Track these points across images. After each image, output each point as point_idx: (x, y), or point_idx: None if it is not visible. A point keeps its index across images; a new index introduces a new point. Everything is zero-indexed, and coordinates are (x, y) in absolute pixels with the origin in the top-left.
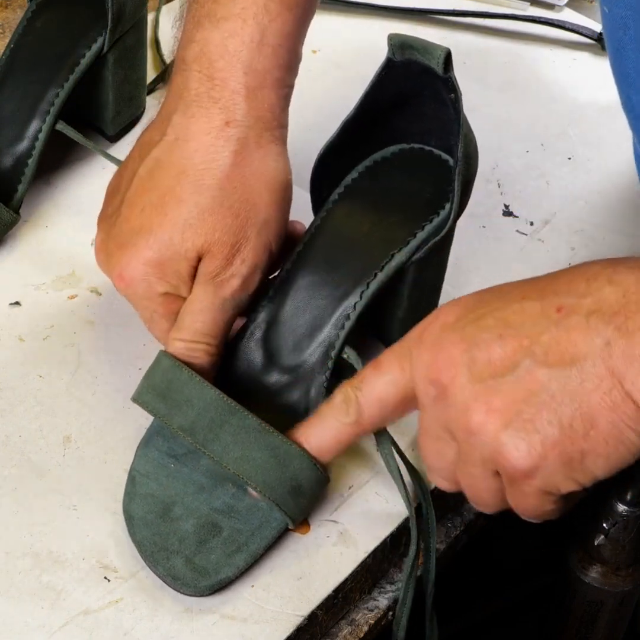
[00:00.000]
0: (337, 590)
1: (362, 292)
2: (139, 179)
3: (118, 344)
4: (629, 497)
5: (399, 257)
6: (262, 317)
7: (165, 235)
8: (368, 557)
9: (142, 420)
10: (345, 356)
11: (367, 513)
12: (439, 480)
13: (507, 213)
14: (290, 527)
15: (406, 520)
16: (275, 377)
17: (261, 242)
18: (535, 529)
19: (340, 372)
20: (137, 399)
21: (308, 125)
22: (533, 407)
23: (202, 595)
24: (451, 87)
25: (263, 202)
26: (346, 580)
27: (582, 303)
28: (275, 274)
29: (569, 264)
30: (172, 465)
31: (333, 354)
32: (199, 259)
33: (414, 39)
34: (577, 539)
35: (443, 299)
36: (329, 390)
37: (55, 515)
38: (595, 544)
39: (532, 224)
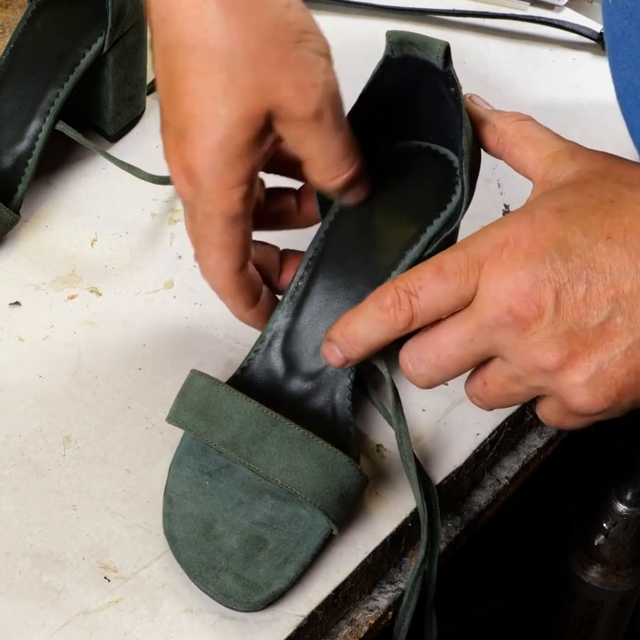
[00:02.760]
0: (337, 590)
1: None
2: (161, 77)
3: (118, 344)
4: (628, 497)
5: (412, 254)
6: (279, 326)
7: (212, 115)
8: (368, 557)
9: (143, 420)
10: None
11: (367, 513)
12: (436, 372)
13: (508, 213)
14: (334, 533)
15: (406, 521)
16: (298, 385)
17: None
18: (535, 528)
19: (364, 374)
20: (175, 419)
21: None
22: (613, 358)
23: (256, 610)
24: (451, 80)
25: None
26: (346, 580)
27: None
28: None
29: None
30: (207, 483)
31: None
32: (265, 122)
33: (413, 35)
34: (577, 539)
35: None
36: (354, 393)
37: (55, 515)
38: (595, 544)
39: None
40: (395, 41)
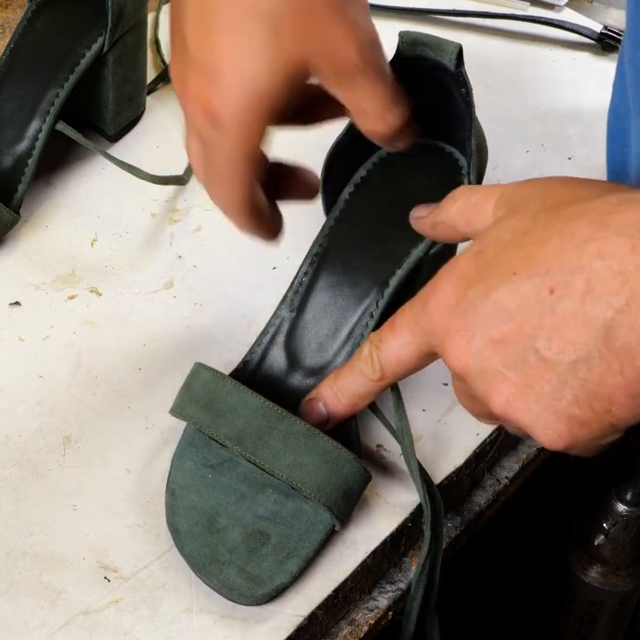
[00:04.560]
0: (337, 591)
1: (383, 290)
2: (192, 10)
3: (118, 344)
4: (628, 496)
5: (417, 253)
6: (283, 321)
7: (251, 61)
8: (368, 557)
9: (143, 420)
10: None
11: (367, 513)
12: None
13: None
14: (337, 529)
15: (406, 521)
16: (300, 380)
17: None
18: (535, 528)
19: None
20: (180, 411)
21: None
22: (550, 392)
23: (259, 604)
24: (462, 81)
25: None
26: (346, 580)
27: (574, 282)
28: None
29: None
30: (210, 476)
31: None
32: (302, 71)
33: (426, 36)
34: (577, 538)
35: None
36: None
37: (55, 516)
38: (596, 543)
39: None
40: (408, 41)
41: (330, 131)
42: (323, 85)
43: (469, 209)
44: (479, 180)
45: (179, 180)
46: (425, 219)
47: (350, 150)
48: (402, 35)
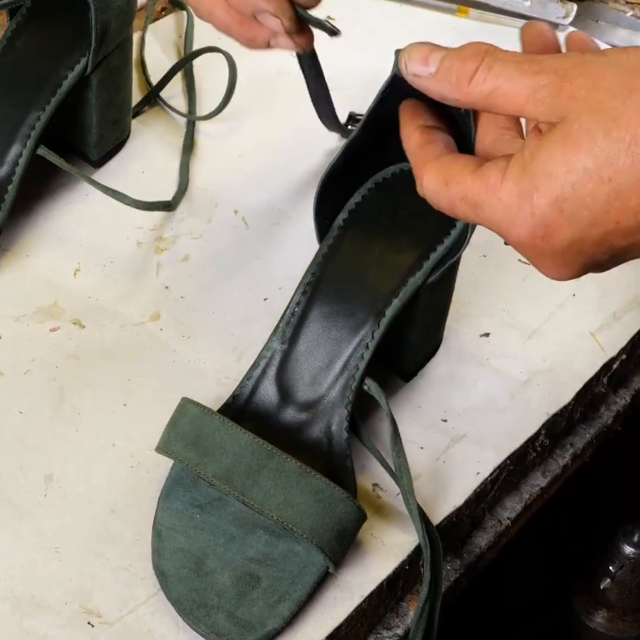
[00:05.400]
0: (331, 636)
1: (379, 320)
2: None
3: (102, 378)
4: (636, 538)
5: (414, 282)
6: (274, 353)
7: None
8: (363, 601)
9: (128, 458)
10: (365, 388)
11: (362, 555)
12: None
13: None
14: (330, 571)
15: (403, 563)
16: (292, 415)
17: None
18: (538, 569)
19: (362, 405)
20: (166, 449)
21: (306, 151)
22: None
23: None
24: None
25: None
26: (341, 626)
27: None
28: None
29: (574, 295)
30: (198, 516)
31: (353, 386)
32: None
33: None
34: (582, 581)
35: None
36: (351, 424)
37: (36, 558)
38: (601, 587)
39: None
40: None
41: (324, 155)
42: None
43: (492, 95)
44: None
45: (167, 207)
46: (428, 85)
47: (343, 175)
48: (396, 54)
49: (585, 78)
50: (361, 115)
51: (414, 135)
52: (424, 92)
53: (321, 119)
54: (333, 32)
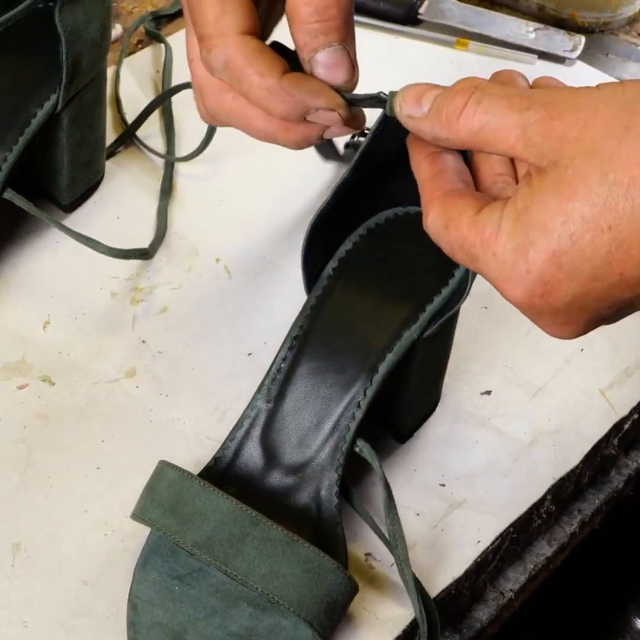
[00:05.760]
0: None
1: (372, 377)
2: None
3: (74, 440)
4: None
5: (410, 335)
6: (259, 413)
7: None
8: None
9: (101, 526)
10: (357, 450)
11: (354, 630)
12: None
13: None
14: None
15: (398, 639)
16: (278, 479)
17: None
18: None
19: (353, 469)
20: (142, 516)
21: (293, 195)
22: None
23: None
24: None
25: None
26: None
27: None
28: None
29: (582, 350)
30: (177, 588)
31: (344, 448)
32: None
33: None
34: None
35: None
36: (342, 489)
37: (3, 633)
38: None
39: None
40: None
41: (312, 200)
42: None
43: (481, 132)
44: None
45: (143, 255)
46: (421, 126)
47: (334, 221)
48: (392, 97)
49: (577, 114)
50: (363, 137)
51: (423, 165)
52: (418, 134)
53: (317, 147)
54: (383, 101)
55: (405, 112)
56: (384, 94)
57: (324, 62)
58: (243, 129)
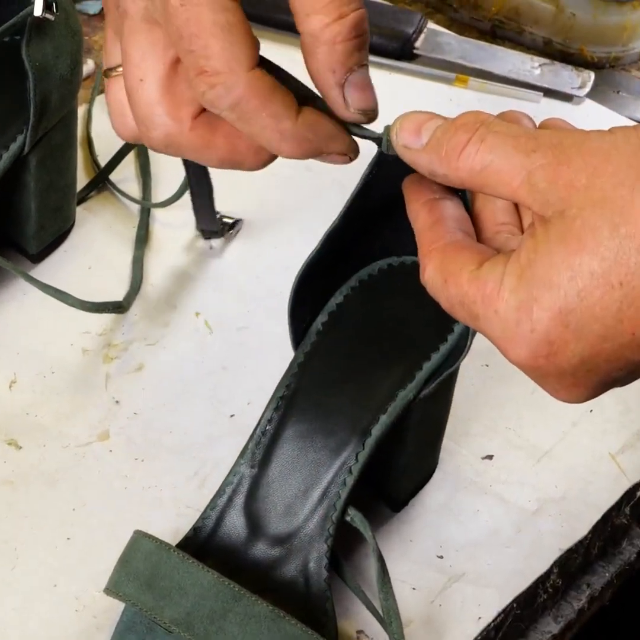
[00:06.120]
0: None
1: (364, 440)
2: None
3: (42, 508)
4: None
5: (405, 395)
6: (242, 477)
7: None
8: None
9: (72, 601)
10: (348, 519)
11: None
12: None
13: None
14: None
15: None
16: (264, 550)
17: None
18: None
19: (344, 539)
20: (115, 590)
21: (277, 242)
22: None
23: None
24: None
25: None
26: None
27: None
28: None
29: (591, 411)
30: None
31: (334, 517)
32: None
33: None
34: None
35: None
36: (331, 561)
37: None
38: None
39: None
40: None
41: (299, 249)
42: None
43: (483, 172)
44: None
45: (117, 308)
46: (417, 158)
47: (323, 271)
48: (387, 131)
49: (586, 160)
50: (229, 217)
51: (421, 213)
52: (413, 166)
53: (199, 223)
54: (379, 137)
55: (402, 141)
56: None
57: (358, 84)
58: (198, 158)
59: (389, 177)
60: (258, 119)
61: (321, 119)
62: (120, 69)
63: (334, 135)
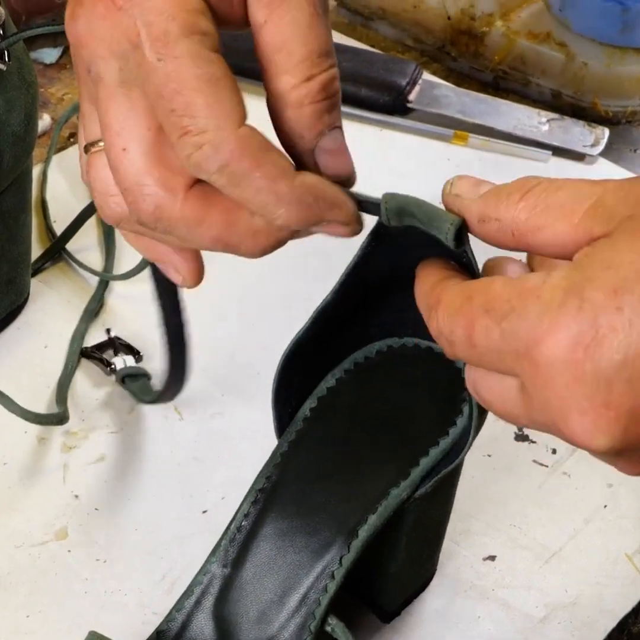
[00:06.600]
0: None
1: (350, 542)
2: None
3: None
4: None
5: (398, 494)
6: (213, 579)
7: None
8: None
9: None
10: (329, 629)
11: None
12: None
13: (521, 437)
14: None
15: None
16: None
17: None
18: None
19: None
20: None
21: (255, 320)
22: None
23: None
24: (466, 262)
25: None
26: None
27: None
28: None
29: (605, 507)
30: None
31: (313, 626)
32: None
33: (416, 203)
34: None
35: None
36: None
37: None
38: None
39: (554, 451)
40: (393, 209)
41: (280, 325)
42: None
43: (545, 210)
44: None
45: (60, 421)
46: (470, 204)
47: (313, 351)
48: (387, 200)
49: None
50: (121, 340)
51: (431, 295)
52: (461, 214)
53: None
54: (376, 204)
55: (457, 190)
56: (360, 194)
57: (330, 149)
58: (189, 236)
59: (389, 251)
60: (251, 181)
61: (320, 182)
62: (102, 144)
63: (336, 200)
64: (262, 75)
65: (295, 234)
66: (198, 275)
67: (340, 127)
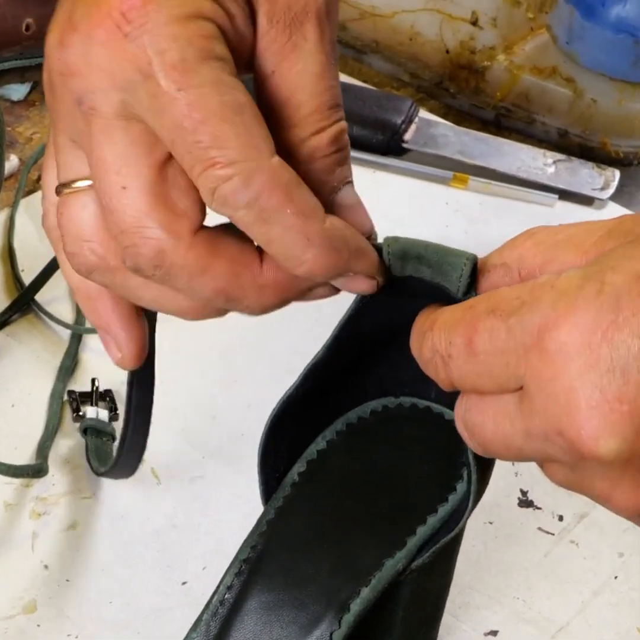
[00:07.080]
0: None
1: (341, 617)
2: None
3: None
4: None
5: (393, 565)
6: None
7: None
8: None
9: None
10: None
11: None
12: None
13: (525, 502)
14: None
15: None
16: None
17: None
18: None
19: None
20: None
21: (238, 377)
22: None
23: None
24: None
25: None
26: None
27: None
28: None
29: (615, 578)
30: None
31: None
32: None
33: (422, 244)
34: None
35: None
36: None
37: None
38: None
39: (561, 518)
40: (397, 253)
41: (264, 386)
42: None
43: (554, 244)
44: (487, 463)
45: (37, 473)
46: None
47: (303, 411)
48: (389, 243)
49: None
50: (86, 396)
51: (423, 314)
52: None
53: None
54: (378, 249)
55: None
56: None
57: (347, 204)
58: (189, 286)
59: (384, 303)
60: (281, 218)
61: (347, 228)
62: (79, 184)
63: (363, 248)
64: (268, 124)
65: (307, 292)
66: (138, 358)
67: (351, 182)
